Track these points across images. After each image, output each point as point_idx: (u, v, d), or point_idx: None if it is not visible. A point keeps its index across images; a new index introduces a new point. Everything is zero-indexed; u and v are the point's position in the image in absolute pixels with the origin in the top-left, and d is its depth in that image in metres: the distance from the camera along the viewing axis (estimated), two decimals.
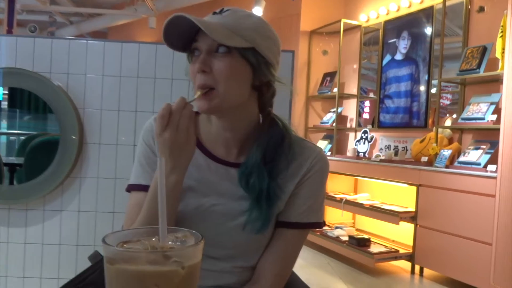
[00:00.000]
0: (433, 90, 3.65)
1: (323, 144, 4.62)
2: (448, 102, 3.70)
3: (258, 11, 4.48)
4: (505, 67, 2.53)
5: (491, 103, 2.98)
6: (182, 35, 0.77)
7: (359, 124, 4.50)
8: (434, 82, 3.60)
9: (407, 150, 3.83)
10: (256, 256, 0.84)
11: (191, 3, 5.28)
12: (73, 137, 1.68)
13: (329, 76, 4.69)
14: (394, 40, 4.09)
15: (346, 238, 3.56)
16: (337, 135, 4.47)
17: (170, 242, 0.47)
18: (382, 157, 3.81)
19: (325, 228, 3.98)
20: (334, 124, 4.44)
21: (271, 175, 0.81)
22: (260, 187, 0.79)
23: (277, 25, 5.00)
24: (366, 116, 4.50)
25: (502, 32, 2.79)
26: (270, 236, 0.84)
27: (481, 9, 3.18)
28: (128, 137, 1.72)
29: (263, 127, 0.84)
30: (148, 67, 1.73)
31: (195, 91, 0.77)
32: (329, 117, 4.65)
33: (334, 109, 4.50)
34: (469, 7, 3.31)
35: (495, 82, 3.04)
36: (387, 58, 4.17)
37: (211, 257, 0.82)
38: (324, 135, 4.78)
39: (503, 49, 2.72)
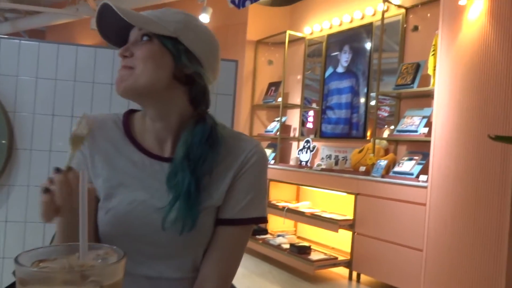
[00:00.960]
0: (373, 103, 3.81)
1: (267, 153, 4.65)
2: (386, 114, 3.87)
3: (205, 18, 4.45)
4: (436, 83, 2.70)
5: (424, 117, 3.16)
6: (119, 31, 0.81)
7: (302, 134, 4.59)
8: (373, 95, 3.77)
9: (347, 159, 3.96)
10: (199, 254, 0.82)
11: (138, 5, 5.16)
12: (3, 141, 1.58)
13: (274, 86, 4.75)
14: (337, 53, 4.23)
15: (288, 246, 3.61)
16: (280, 144, 4.53)
17: (91, 260, 0.44)
18: (323, 166, 3.91)
19: (267, 236, 4.01)
20: (278, 133, 4.50)
21: (196, 173, 0.79)
22: (181, 186, 0.78)
23: (224, 34, 5.00)
24: (309, 125, 4.60)
25: (433, 50, 2.97)
26: (210, 235, 0.82)
27: (416, 28, 3.38)
28: (65, 143, 1.63)
29: (189, 123, 0.83)
30: (87, 70, 1.66)
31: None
32: (274, 126, 4.70)
33: (278, 118, 4.56)
34: (405, 25, 3.50)
35: (428, 97, 3.23)
36: (330, 70, 4.31)
37: (149, 256, 0.80)
38: (268, 144, 4.83)
39: (435, 66, 2.90)
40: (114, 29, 0.81)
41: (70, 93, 1.66)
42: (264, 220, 0.84)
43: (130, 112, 0.88)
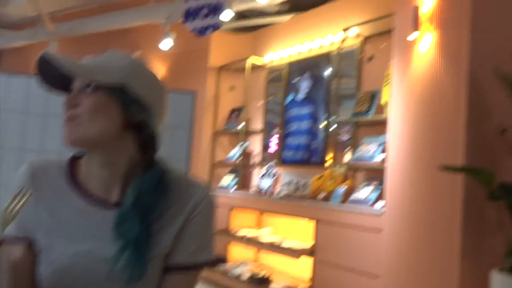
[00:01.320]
0: (332, 129, 3.87)
1: (228, 179, 4.62)
2: (345, 140, 3.94)
3: (168, 43, 4.45)
4: (390, 112, 2.78)
5: (380, 144, 3.24)
6: (63, 78, 0.80)
7: (264, 160, 4.59)
8: (333, 121, 3.83)
9: (307, 186, 3.98)
10: None
11: (97, 30, 5.09)
12: None
13: (236, 112, 4.76)
14: (297, 80, 4.31)
15: (248, 276, 3.54)
16: (242, 170, 4.51)
17: None
18: (284, 193, 3.91)
19: (228, 265, 3.93)
20: (239, 160, 4.48)
21: (146, 220, 0.78)
22: (130, 234, 0.76)
23: (186, 59, 5.00)
24: (272, 151, 4.62)
25: (387, 81, 3.08)
26: (157, 283, 0.80)
27: (371, 58, 3.50)
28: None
29: (138, 169, 0.83)
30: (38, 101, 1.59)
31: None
32: (235, 152, 4.69)
33: (240, 145, 4.56)
34: (361, 56, 3.62)
35: (383, 125, 3.31)
36: (290, 97, 4.37)
37: None
38: (230, 170, 4.79)
39: (389, 95, 3.00)
40: (57, 76, 0.80)
41: (18, 125, 1.58)
42: (212, 263, 0.85)
43: (75, 158, 0.87)
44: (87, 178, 0.83)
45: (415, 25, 2.49)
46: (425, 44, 2.50)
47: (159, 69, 5.22)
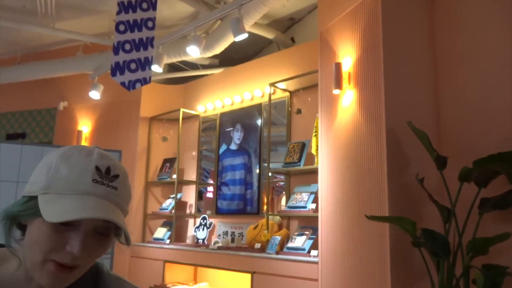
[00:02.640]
0: (266, 179, 3.91)
1: (162, 231, 4.45)
2: (279, 189, 4.00)
3: (95, 95, 4.32)
4: (319, 162, 2.87)
5: (311, 193, 3.32)
6: None
7: (198, 210, 4.50)
8: (266, 171, 3.88)
9: (243, 236, 3.94)
10: None
11: (22, 79, 4.83)
12: None
13: (169, 162, 4.67)
14: (230, 130, 4.35)
15: None
16: (176, 221, 4.38)
17: None
18: (220, 244, 3.82)
19: None
20: (173, 211, 4.35)
21: None
22: None
23: (117, 110, 4.88)
24: (208, 199, 4.55)
25: (315, 132, 3.20)
26: None
27: (299, 111, 3.65)
28: None
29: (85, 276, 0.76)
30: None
31: (41, 259, 0.66)
32: (169, 203, 4.56)
33: (174, 195, 4.45)
34: (289, 108, 3.76)
35: (314, 174, 3.42)
36: (223, 147, 4.39)
37: None
38: (163, 222, 4.63)
39: (317, 146, 3.11)
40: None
41: None
42: None
43: None
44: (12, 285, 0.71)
45: (338, 82, 2.63)
46: (347, 99, 2.65)
47: (86, 121, 5.03)
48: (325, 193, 2.76)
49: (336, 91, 2.68)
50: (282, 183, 3.90)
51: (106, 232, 0.72)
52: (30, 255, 0.67)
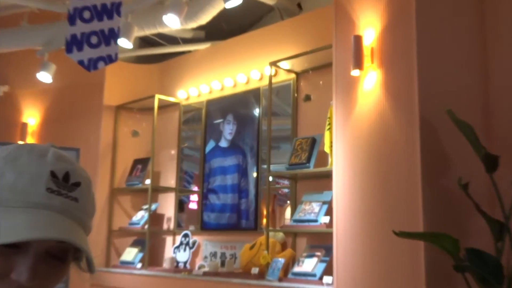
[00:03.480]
0: (265, 184, 3.91)
1: (133, 253, 4.44)
2: (282, 198, 3.98)
3: (45, 77, 4.29)
4: (334, 163, 2.86)
5: (324, 203, 3.31)
6: None
7: (179, 225, 4.49)
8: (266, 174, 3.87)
9: (236, 258, 3.93)
10: None
11: None
12: None
13: (141, 164, 4.66)
14: (219, 123, 4.34)
15: None
16: (150, 240, 4.37)
17: None
18: (207, 269, 3.81)
19: None
20: (146, 226, 4.34)
21: None
22: None
23: (74, 96, 4.86)
24: (190, 214, 4.54)
25: (329, 124, 3.19)
26: None
27: (308, 97, 3.64)
28: None
29: None
30: None
31: None
32: (141, 217, 4.55)
33: (147, 206, 4.44)
34: (296, 94, 3.75)
35: (327, 178, 3.40)
36: (211, 144, 4.38)
37: None
38: (133, 241, 4.62)
39: (331, 142, 3.10)
40: None
41: None
42: None
43: None
44: None
45: (358, 60, 2.63)
46: (370, 82, 2.64)
47: (33, 111, 5.00)
48: (342, 202, 2.75)
49: (355, 72, 2.67)
50: (286, 190, 3.88)
51: (62, 255, 0.71)
52: None
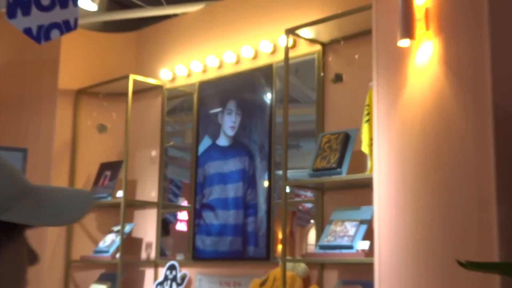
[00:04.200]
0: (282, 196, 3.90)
1: None
2: (305, 216, 3.97)
3: None
4: (375, 168, 2.85)
5: (361, 222, 3.29)
6: None
7: (162, 254, 4.50)
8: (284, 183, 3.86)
9: None
10: None
11: None
12: None
13: (110, 169, 4.67)
14: (217, 112, 4.34)
15: None
16: (124, 274, 4.38)
17: None
18: None
19: None
20: (118, 255, 4.35)
21: None
22: None
23: (18, 77, 4.86)
24: (178, 238, 4.55)
25: (368, 114, 3.17)
26: None
27: (338, 78, 3.62)
28: None
29: None
30: None
31: None
32: (110, 242, 4.56)
33: (119, 228, 4.45)
34: (322, 73, 3.74)
35: (365, 188, 3.39)
36: (206, 142, 4.37)
37: None
38: (101, 275, 4.64)
39: (371, 140, 3.08)
40: None
41: None
42: None
43: None
44: None
45: (408, 27, 2.61)
46: (424, 55, 2.62)
47: None
48: (386, 222, 2.74)
49: (404, 43, 2.66)
50: (309, 205, 3.87)
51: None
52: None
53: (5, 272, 0.89)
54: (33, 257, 0.95)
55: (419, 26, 2.63)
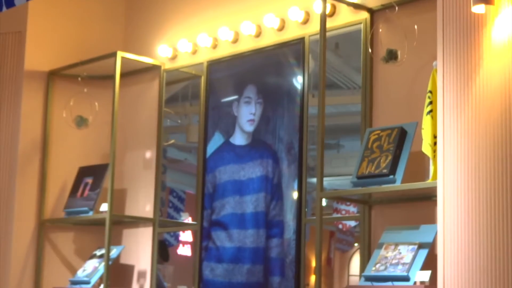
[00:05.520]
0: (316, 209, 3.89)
1: None
2: (346, 238, 3.95)
3: None
4: (440, 173, 2.83)
5: (421, 246, 3.27)
6: None
7: (159, 286, 4.51)
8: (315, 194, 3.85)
9: None
10: None
11: None
12: None
13: (92, 176, 4.70)
14: (231, 101, 4.35)
15: None
16: None
17: None
18: None
19: None
20: (102, 287, 4.37)
21: None
22: None
23: None
24: (180, 265, 4.56)
25: (431, 103, 3.15)
26: None
27: (392, 55, 3.59)
28: None
29: None
30: None
31: None
32: (92, 270, 4.58)
33: (103, 252, 4.47)
34: (369, 49, 3.72)
35: (426, 202, 3.37)
36: (217, 139, 4.38)
37: None
38: None
39: (435, 137, 3.06)
40: None
41: None
42: None
43: None
44: None
45: None
46: (506, 25, 2.60)
47: None
48: (453, 246, 2.72)
49: (478, 8, 2.64)
50: (352, 223, 3.84)
51: None
52: None
53: None
54: None
55: None
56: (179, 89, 4.70)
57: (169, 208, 4.63)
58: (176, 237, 4.64)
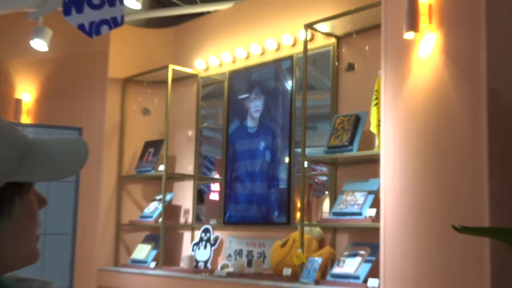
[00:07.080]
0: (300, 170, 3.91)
1: (145, 250, 4.51)
2: (320, 187, 3.98)
3: (40, 45, 4.34)
4: (382, 145, 2.84)
5: (369, 192, 3.29)
6: None
7: (198, 219, 4.54)
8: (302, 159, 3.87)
9: (265, 257, 3.96)
10: None
11: None
12: None
13: (153, 147, 4.71)
14: (244, 98, 4.34)
15: None
16: (165, 236, 4.43)
17: None
18: (231, 269, 3.85)
19: None
20: (160, 220, 4.40)
21: None
22: None
23: (74, 68, 4.92)
24: (211, 206, 4.58)
25: (376, 99, 3.16)
26: None
27: (351, 67, 3.60)
28: None
29: None
30: None
31: None
32: (153, 209, 4.61)
33: (161, 197, 4.49)
34: (336, 63, 3.72)
35: (373, 163, 3.39)
36: (235, 123, 4.39)
37: None
38: (146, 236, 4.69)
39: (379, 121, 3.07)
40: None
41: None
42: None
43: None
44: None
45: (413, 20, 2.58)
46: (427, 47, 2.60)
47: (28, 85, 5.07)
48: (391, 192, 2.74)
49: (409, 35, 2.64)
50: (324, 178, 3.88)
51: None
52: (23, 240, 0.91)
53: (21, 226, 0.90)
54: (41, 201, 0.93)
55: (423, 20, 2.61)
56: (210, 90, 4.72)
57: (204, 168, 4.66)
58: (209, 187, 4.67)
